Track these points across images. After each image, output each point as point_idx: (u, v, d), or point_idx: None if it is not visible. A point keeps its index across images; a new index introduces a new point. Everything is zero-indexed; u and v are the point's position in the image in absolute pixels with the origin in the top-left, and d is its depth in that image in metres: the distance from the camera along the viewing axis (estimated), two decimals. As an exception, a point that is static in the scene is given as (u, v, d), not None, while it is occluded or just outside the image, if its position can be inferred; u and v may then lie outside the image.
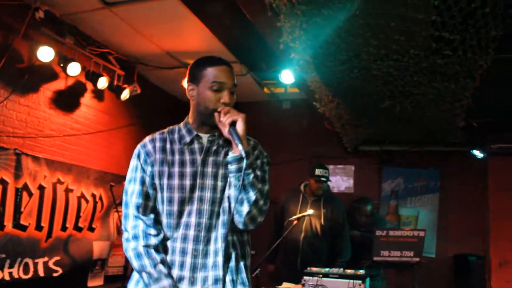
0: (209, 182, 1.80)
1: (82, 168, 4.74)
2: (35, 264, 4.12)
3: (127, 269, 5.20)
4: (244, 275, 1.82)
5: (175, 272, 1.74)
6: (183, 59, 5.14)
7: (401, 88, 3.45)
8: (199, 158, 1.81)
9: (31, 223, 4.10)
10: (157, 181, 1.80)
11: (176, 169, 1.80)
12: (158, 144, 1.85)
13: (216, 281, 1.74)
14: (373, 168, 6.10)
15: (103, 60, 4.82)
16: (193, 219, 1.77)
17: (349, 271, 3.77)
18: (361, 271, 3.79)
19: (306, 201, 4.60)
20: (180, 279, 1.74)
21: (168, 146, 1.84)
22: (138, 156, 1.86)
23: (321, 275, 3.72)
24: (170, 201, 1.78)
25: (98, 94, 5.00)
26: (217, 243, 1.77)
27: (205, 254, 1.76)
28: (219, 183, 1.80)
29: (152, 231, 1.75)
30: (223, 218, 1.79)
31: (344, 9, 2.59)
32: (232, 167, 1.73)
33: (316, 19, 2.71)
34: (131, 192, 1.81)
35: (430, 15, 2.47)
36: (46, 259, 4.25)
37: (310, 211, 4.34)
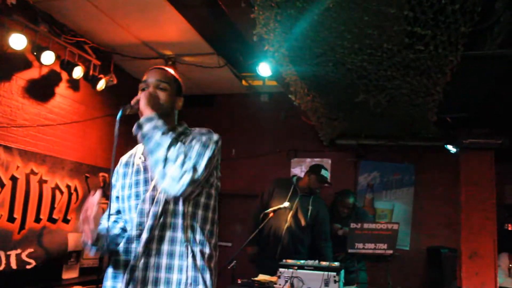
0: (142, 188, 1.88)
1: (57, 159, 4.68)
2: (7, 256, 4.06)
3: (102, 261, 5.17)
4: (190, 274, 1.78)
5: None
6: (160, 50, 5.10)
7: (375, 82, 3.50)
8: (141, 165, 1.94)
9: (3, 215, 4.03)
10: (120, 193, 1.97)
11: (133, 179, 1.93)
12: (124, 160, 2.06)
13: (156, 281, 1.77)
14: (349, 161, 6.16)
15: (79, 49, 4.75)
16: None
17: (324, 263, 3.82)
18: (336, 263, 3.85)
19: (296, 194, 4.68)
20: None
21: (131, 159, 2.02)
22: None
23: (296, 267, 3.76)
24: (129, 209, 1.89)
25: (73, 84, 4.92)
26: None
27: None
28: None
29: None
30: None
31: (318, 2, 2.60)
32: (138, 137, 1.75)
33: (291, 11, 2.71)
34: None
35: (402, 10, 2.50)
36: (19, 251, 4.19)
37: (286, 204, 4.37)
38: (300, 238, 4.63)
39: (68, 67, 4.57)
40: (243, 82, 5.86)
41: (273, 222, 4.52)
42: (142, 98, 1.81)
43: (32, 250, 4.33)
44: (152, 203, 1.81)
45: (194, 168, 1.67)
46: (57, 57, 4.39)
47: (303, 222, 4.60)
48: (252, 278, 3.98)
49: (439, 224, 5.83)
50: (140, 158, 1.96)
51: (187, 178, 1.64)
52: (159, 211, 1.78)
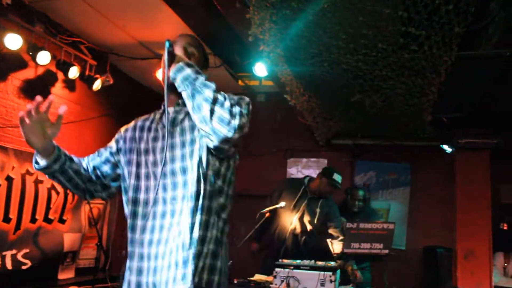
0: (178, 152, 1.73)
1: (52, 159, 4.66)
2: (3, 257, 4.05)
3: (99, 262, 5.16)
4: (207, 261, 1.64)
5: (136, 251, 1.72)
6: (156, 50, 5.09)
7: (371, 82, 3.51)
8: (165, 131, 1.76)
9: (-1, 215, 4.02)
10: (133, 157, 1.84)
11: (149, 145, 1.81)
12: (138, 124, 1.93)
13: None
14: (345, 161, 6.18)
15: (75, 49, 4.74)
16: (169, 193, 1.72)
17: (320, 263, 3.83)
18: (332, 263, 3.85)
19: (306, 195, 4.61)
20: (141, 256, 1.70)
21: (147, 124, 1.89)
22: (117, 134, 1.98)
23: (292, 267, 3.76)
24: (147, 176, 1.77)
25: (69, 84, 4.91)
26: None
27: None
28: (188, 149, 1.72)
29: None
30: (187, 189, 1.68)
31: (313, 2, 2.61)
32: (178, 81, 1.64)
33: (286, 12, 2.72)
34: None
35: (397, 10, 2.51)
36: (14, 251, 4.17)
37: (282, 204, 4.37)
38: (305, 241, 4.61)
39: (64, 67, 4.56)
40: (239, 82, 5.86)
41: (279, 223, 4.51)
42: (178, 46, 1.73)
43: (27, 250, 4.31)
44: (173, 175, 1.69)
45: (241, 114, 1.55)
46: (53, 57, 4.38)
47: (308, 226, 4.56)
48: (248, 278, 3.99)
49: (435, 223, 5.84)
50: (159, 124, 1.83)
51: (236, 122, 1.53)
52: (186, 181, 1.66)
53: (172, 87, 1.70)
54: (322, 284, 3.64)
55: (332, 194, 4.69)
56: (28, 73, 4.40)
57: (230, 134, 1.53)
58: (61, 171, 1.85)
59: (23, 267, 4.25)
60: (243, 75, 5.61)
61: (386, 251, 4.29)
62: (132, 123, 1.94)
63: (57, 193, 4.71)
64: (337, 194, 5.26)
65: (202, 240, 1.63)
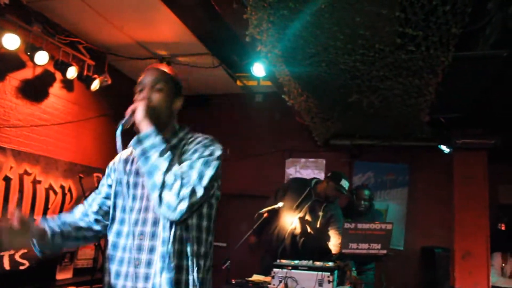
0: (140, 191, 1.79)
1: (51, 159, 4.67)
2: (1, 257, 4.06)
3: (97, 262, 5.16)
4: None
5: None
6: (154, 50, 5.10)
7: (368, 82, 3.51)
8: (133, 168, 1.85)
9: (-4, 215, 4.02)
10: (119, 189, 1.88)
11: (132, 179, 1.85)
12: (123, 156, 1.95)
13: None
14: (344, 162, 6.17)
15: (73, 50, 4.74)
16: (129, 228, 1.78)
17: (318, 263, 3.82)
18: (330, 263, 3.85)
19: (310, 197, 4.55)
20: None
21: (131, 157, 1.91)
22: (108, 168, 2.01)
23: (290, 267, 3.76)
24: (131, 209, 1.80)
25: (67, 84, 4.91)
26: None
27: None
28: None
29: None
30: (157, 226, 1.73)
31: (311, 2, 2.61)
32: (136, 154, 1.66)
33: (283, 12, 2.72)
34: None
35: (394, 11, 2.52)
36: (12, 251, 4.17)
37: (280, 204, 4.36)
38: (303, 243, 4.58)
39: (62, 67, 4.57)
40: (238, 82, 5.87)
41: (279, 222, 4.49)
42: (138, 110, 1.72)
43: (25, 250, 4.31)
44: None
45: (192, 193, 1.59)
46: (51, 57, 4.38)
47: (309, 228, 4.54)
48: (246, 278, 3.98)
49: (433, 224, 5.85)
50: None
51: (183, 206, 1.57)
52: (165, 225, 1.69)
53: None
54: (320, 285, 3.63)
55: (337, 198, 4.66)
56: (26, 73, 4.40)
57: (177, 218, 1.59)
58: (64, 240, 1.87)
59: (21, 268, 4.25)
60: (242, 75, 5.61)
61: (384, 252, 4.28)
62: (117, 157, 1.97)
63: (55, 193, 4.71)
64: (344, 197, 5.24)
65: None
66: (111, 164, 1.97)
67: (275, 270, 3.74)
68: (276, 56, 3.36)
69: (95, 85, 4.94)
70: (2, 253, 4.05)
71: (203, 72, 5.41)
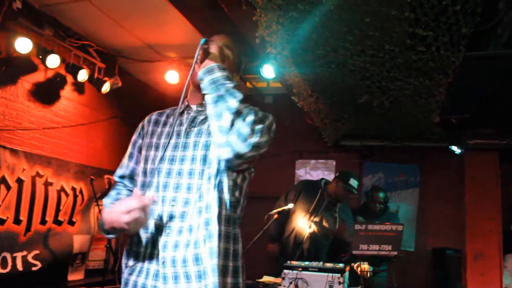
0: (190, 153, 1.65)
1: (62, 162, 4.71)
2: (14, 258, 4.09)
3: (108, 263, 5.19)
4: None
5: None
6: (164, 52, 5.12)
7: (378, 83, 3.50)
8: (183, 129, 1.71)
9: (9, 217, 4.06)
10: (143, 153, 1.76)
11: (161, 141, 1.72)
12: (153, 117, 1.84)
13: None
14: (354, 162, 6.15)
15: (83, 53, 4.78)
16: (169, 192, 1.62)
17: (328, 265, 3.81)
18: (340, 265, 3.84)
19: (323, 199, 4.57)
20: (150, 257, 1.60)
21: (163, 118, 1.81)
22: (137, 129, 1.87)
23: (300, 269, 3.75)
24: (152, 172, 1.68)
25: (79, 87, 4.96)
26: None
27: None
28: (200, 152, 1.63)
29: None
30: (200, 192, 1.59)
31: (320, 4, 2.61)
32: (205, 83, 1.55)
33: (293, 14, 2.72)
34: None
35: (404, 11, 2.51)
36: (25, 253, 4.22)
37: (290, 205, 4.36)
38: (323, 246, 4.57)
39: (73, 70, 4.62)
40: (247, 84, 5.87)
41: (296, 226, 4.49)
42: (214, 44, 1.63)
43: (38, 252, 4.36)
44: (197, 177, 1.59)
45: (266, 130, 1.48)
46: (62, 60, 4.43)
47: (327, 229, 4.53)
48: (257, 279, 3.99)
49: (444, 225, 5.80)
50: (178, 120, 1.73)
51: (255, 139, 1.44)
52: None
53: (198, 86, 1.66)
54: (331, 286, 3.62)
55: (348, 198, 4.64)
56: (38, 76, 4.45)
57: (245, 151, 1.45)
58: None
59: (34, 269, 4.30)
60: (251, 77, 5.62)
61: (395, 253, 4.27)
62: (147, 118, 1.87)
63: (67, 195, 4.75)
64: (355, 196, 5.22)
65: (225, 254, 1.57)
66: (140, 127, 1.85)
67: (285, 271, 3.74)
68: (286, 58, 3.36)
69: (106, 87, 4.98)
70: (15, 254, 4.10)
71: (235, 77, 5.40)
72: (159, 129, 1.77)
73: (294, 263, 3.88)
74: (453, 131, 4.88)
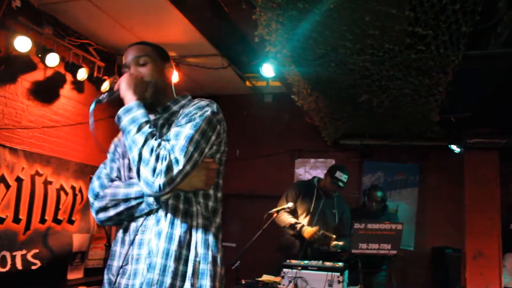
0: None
1: (62, 160, 4.71)
2: (13, 257, 4.09)
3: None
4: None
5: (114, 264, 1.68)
6: (164, 51, 5.11)
7: (378, 82, 3.50)
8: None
9: (9, 216, 4.06)
10: (121, 161, 1.81)
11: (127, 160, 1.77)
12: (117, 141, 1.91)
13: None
14: (353, 162, 6.15)
15: (83, 51, 4.78)
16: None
17: (328, 264, 3.81)
18: (340, 264, 3.84)
19: (320, 197, 4.58)
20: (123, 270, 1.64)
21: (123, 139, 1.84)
22: (113, 142, 1.94)
23: (300, 267, 3.75)
24: (130, 178, 1.74)
25: (78, 86, 4.95)
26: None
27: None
28: None
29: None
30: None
31: (320, 3, 2.61)
32: (121, 129, 1.62)
33: (292, 12, 2.72)
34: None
35: (404, 10, 2.50)
36: (24, 251, 4.22)
37: (289, 204, 4.36)
38: (326, 242, 4.58)
39: (73, 69, 4.61)
40: (247, 83, 5.88)
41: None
42: (121, 82, 1.67)
43: (37, 250, 4.36)
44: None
45: (170, 167, 1.49)
46: (62, 59, 4.43)
47: (329, 227, 4.54)
48: (256, 278, 3.99)
49: (444, 224, 5.81)
50: None
51: (160, 181, 1.48)
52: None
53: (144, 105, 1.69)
54: (330, 285, 3.62)
55: (336, 192, 4.64)
56: (37, 75, 4.44)
57: (156, 194, 1.52)
58: None
59: (33, 267, 4.30)
60: (251, 75, 5.63)
61: (395, 252, 4.27)
62: (115, 140, 1.94)
63: (66, 194, 4.75)
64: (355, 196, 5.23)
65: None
66: (116, 139, 1.93)
67: (284, 270, 3.74)
68: (285, 57, 3.36)
69: (105, 86, 4.97)
70: (14, 253, 4.10)
71: (212, 73, 5.42)
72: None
73: (294, 262, 3.88)
74: (452, 130, 4.88)
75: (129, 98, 1.64)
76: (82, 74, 4.68)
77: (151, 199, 1.62)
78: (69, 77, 4.75)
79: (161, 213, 1.63)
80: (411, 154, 5.99)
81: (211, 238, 1.68)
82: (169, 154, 1.51)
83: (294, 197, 4.59)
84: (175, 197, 1.64)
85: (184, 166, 1.52)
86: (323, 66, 3.37)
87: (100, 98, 1.70)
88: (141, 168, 1.50)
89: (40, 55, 4.22)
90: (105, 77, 4.99)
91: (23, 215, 4.21)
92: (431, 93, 3.53)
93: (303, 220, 4.51)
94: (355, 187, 5.95)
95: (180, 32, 4.60)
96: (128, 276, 1.61)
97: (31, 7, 4.14)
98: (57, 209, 4.62)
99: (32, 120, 4.39)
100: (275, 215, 4.26)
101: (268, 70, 4.74)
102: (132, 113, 1.60)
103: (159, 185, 1.48)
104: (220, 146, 1.73)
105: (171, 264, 1.56)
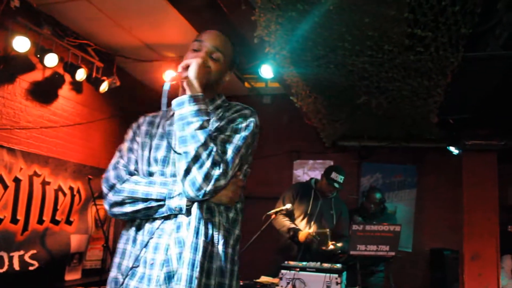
0: (161, 154, 1.66)
1: (60, 161, 4.70)
2: (10, 258, 4.08)
3: (105, 263, 5.18)
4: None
5: (135, 252, 1.60)
6: (162, 52, 5.11)
7: (377, 83, 3.50)
8: (159, 131, 1.71)
9: (6, 216, 4.05)
10: (139, 152, 1.72)
11: (155, 142, 1.71)
12: (147, 119, 1.81)
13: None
14: (352, 163, 6.16)
15: (82, 52, 4.77)
16: None
17: (326, 265, 3.81)
18: (338, 265, 3.84)
19: (318, 198, 4.59)
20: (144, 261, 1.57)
21: (157, 120, 1.79)
22: (130, 128, 1.82)
23: (298, 269, 3.75)
24: (149, 174, 1.67)
25: (77, 86, 4.95)
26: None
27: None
28: None
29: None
30: None
31: (319, 4, 2.61)
32: (175, 116, 1.54)
33: (292, 14, 2.72)
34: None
35: (403, 12, 2.51)
36: (22, 252, 4.21)
37: (288, 206, 4.36)
38: (323, 241, 4.57)
39: (71, 69, 4.61)
40: (246, 84, 5.88)
41: (296, 229, 4.48)
42: (193, 67, 1.56)
43: (35, 251, 4.35)
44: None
45: (222, 175, 1.46)
46: (60, 59, 4.42)
47: (327, 228, 4.55)
48: (254, 280, 3.98)
49: (442, 225, 5.82)
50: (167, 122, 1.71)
51: (208, 187, 1.45)
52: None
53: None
54: (328, 286, 3.63)
55: (333, 193, 4.63)
56: (36, 75, 4.44)
57: (198, 198, 1.48)
58: None
59: (30, 268, 4.28)
60: (250, 77, 5.63)
61: (393, 253, 4.27)
62: (141, 119, 1.83)
63: (64, 194, 4.74)
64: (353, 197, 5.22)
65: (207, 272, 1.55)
66: (135, 126, 1.80)
67: (283, 271, 3.74)
68: (284, 58, 3.36)
69: (104, 87, 4.97)
70: (12, 254, 4.09)
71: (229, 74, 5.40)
72: (153, 130, 1.75)
73: (292, 263, 3.88)
74: (451, 132, 4.88)
75: (196, 87, 1.55)
76: (81, 74, 4.67)
77: (175, 203, 1.54)
78: (67, 77, 4.75)
79: (181, 219, 1.56)
80: (409, 155, 6.00)
81: (230, 251, 1.63)
82: (223, 163, 1.47)
83: (292, 199, 4.59)
84: (199, 205, 1.57)
85: (230, 178, 1.50)
86: (322, 67, 3.38)
87: (175, 76, 1.60)
88: (194, 168, 1.44)
89: (38, 55, 4.22)
90: (104, 78, 4.98)
91: (21, 216, 4.20)
92: (430, 94, 3.53)
93: (301, 222, 4.51)
94: (353, 188, 5.95)
95: (179, 32, 4.60)
96: (138, 279, 1.55)
97: (29, 7, 4.13)
98: (55, 209, 4.61)
99: (31, 120, 4.38)
100: (273, 216, 4.26)
101: (267, 71, 4.74)
102: (198, 105, 1.52)
103: (205, 191, 1.45)
104: (250, 157, 1.70)
105: (197, 276, 1.49)
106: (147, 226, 1.61)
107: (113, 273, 1.63)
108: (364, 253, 4.25)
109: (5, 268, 4.01)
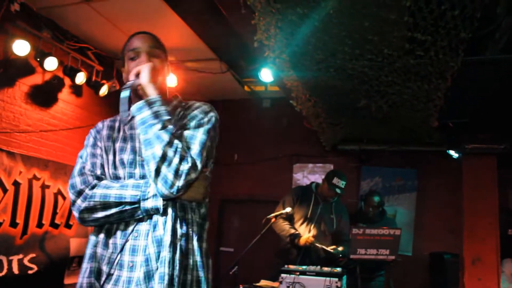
0: (127, 157, 1.70)
1: (59, 164, 4.69)
2: (10, 262, 4.07)
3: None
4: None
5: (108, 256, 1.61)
6: (162, 56, 5.11)
7: (377, 87, 3.50)
8: (135, 132, 1.72)
9: (6, 220, 4.04)
10: (104, 156, 1.73)
11: (118, 145, 1.73)
12: (106, 123, 1.84)
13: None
14: (352, 167, 6.16)
15: (81, 55, 4.78)
16: None
17: (326, 269, 3.80)
18: (338, 269, 3.83)
19: (318, 202, 4.59)
20: (120, 264, 1.59)
21: (116, 124, 1.82)
22: (90, 134, 1.84)
23: (298, 273, 3.74)
24: (116, 177, 1.68)
25: (76, 90, 4.95)
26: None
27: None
28: None
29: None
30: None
31: (319, 8, 2.61)
32: (136, 121, 1.57)
33: (292, 18, 2.72)
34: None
35: (403, 16, 2.51)
36: (21, 256, 4.20)
37: (288, 209, 4.35)
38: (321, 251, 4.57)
39: (71, 73, 4.61)
40: (246, 87, 5.88)
41: (298, 231, 4.47)
42: (144, 71, 1.60)
43: (34, 255, 4.34)
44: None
45: (191, 168, 1.51)
46: (60, 63, 4.42)
47: (327, 233, 4.54)
48: (254, 284, 3.97)
49: (442, 229, 5.80)
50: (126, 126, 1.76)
51: (180, 182, 1.49)
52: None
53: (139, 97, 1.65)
54: (328, 290, 3.61)
55: (334, 197, 4.62)
56: (36, 79, 4.44)
57: (171, 195, 1.51)
58: None
59: (30, 272, 4.27)
60: (249, 80, 5.63)
61: (393, 257, 4.26)
62: (100, 124, 1.86)
63: (63, 198, 4.73)
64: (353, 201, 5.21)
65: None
66: (94, 132, 1.82)
67: (283, 275, 3.73)
68: (284, 62, 3.36)
69: (104, 90, 4.97)
70: (11, 257, 4.07)
71: (211, 77, 5.43)
72: (114, 134, 1.77)
73: (292, 267, 3.87)
74: (451, 136, 4.87)
75: (152, 91, 1.59)
76: (81, 78, 4.67)
77: (150, 204, 1.56)
78: (67, 81, 4.75)
79: (156, 219, 1.58)
80: (409, 159, 6.00)
81: (204, 245, 1.67)
82: (190, 157, 1.52)
83: (292, 202, 4.58)
84: (173, 204, 1.60)
85: (200, 171, 1.55)
86: (322, 71, 3.38)
87: (130, 84, 1.62)
88: (163, 166, 1.48)
89: (38, 59, 4.22)
90: (104, 81, 4.98)
91: (20, 219, 4.19)
92: (430, 98, 3.53)
93: (300, 225, 4.50)
94: (353, 192, 5.94)
95: (178, 36, 4.60)
96: (114, 282, 1.56)
97: (29, 11, 4.14)
98: (54, 213, 4.61)
99: (30, 124, 4.38)
100: (273, 220, 4.25)
101: (266, 75, 4.74)
102: (156, 107, 1.56)
103: (178, 187, 1.49)
104: (214, 151, 1.74)
105: (177, 274, 1.52)
106: (119, 229, 1.62)
107: (86, 278, 1.60)
108: (364, 257, 4.24)
109: (4, 272, 4.00)
